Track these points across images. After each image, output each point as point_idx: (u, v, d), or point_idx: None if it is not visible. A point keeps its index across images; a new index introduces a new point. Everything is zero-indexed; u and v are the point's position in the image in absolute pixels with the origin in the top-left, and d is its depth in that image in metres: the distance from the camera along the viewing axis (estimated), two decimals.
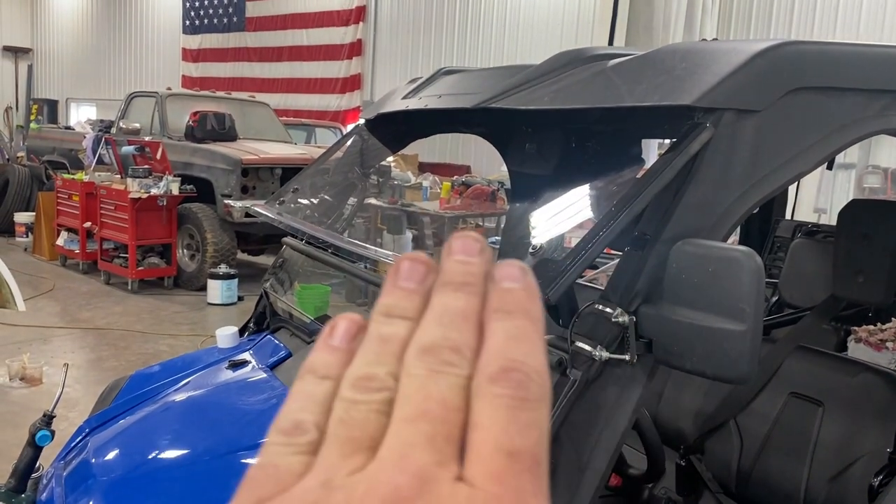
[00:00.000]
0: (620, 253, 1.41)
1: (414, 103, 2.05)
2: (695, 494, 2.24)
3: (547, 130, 2.06)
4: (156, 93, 9.52)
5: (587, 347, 1.31)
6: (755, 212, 3.41)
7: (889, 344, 2.74)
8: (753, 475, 2.13)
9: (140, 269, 8.01)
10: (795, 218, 3.97)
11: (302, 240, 2.39)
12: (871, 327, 2.80)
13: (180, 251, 8.39)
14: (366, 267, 2.18)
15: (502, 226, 7.95)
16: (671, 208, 1.34)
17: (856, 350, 2.79)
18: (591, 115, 1.64)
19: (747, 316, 1.19)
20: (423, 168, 11.07)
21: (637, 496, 2.10)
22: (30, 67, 20.80)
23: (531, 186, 2.19)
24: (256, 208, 2.41)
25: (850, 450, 1.94)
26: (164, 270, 8.22)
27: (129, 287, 8.03)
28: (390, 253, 2.22)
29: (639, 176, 1.43)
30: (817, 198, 8.31)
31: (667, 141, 2.06)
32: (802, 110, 1.43)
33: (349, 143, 2.63)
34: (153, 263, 8.14)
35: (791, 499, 2.03)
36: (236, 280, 7.77)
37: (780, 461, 2.08)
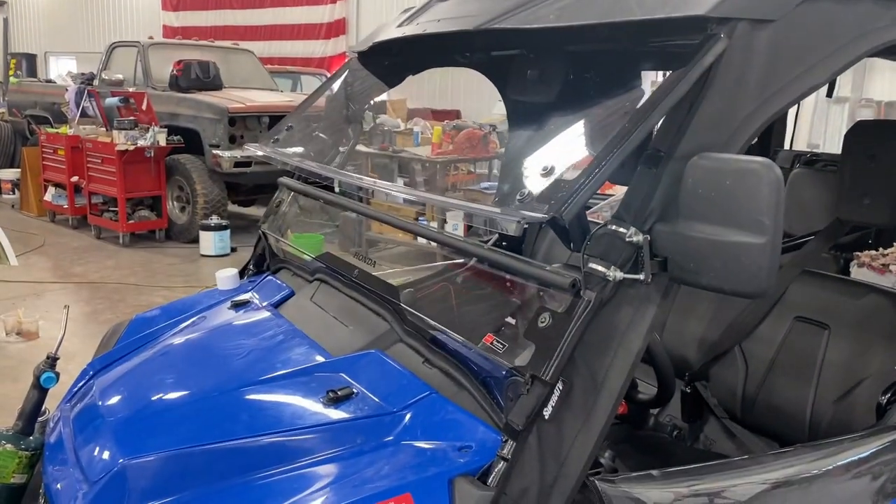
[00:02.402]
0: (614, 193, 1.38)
1: (411, 30, 1.99)
2: (700, 421, 2.25)
3: (550, 54, 2.00)
4: (138, 42, 9.29)
5: (601, 268, 1.29)
6: (754, 142, 3.38)
7: (893, 267, 2.74)
8: (759, 399, 2.14)
9: (130, 222, 7.94)
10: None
11: (298, 178, 2.34)
12: (874, 252, 2.80)
13: (170, 203, 8.31)
14: (363, 200, 2.14)
15: (495, 170, 7.88)
16: (685, 123, 1.31)
17: (859, 275, 2.79)
18: (598, 33, 1.58)
19: (767, 228, 1.17)
20: (413, 113, 10.91)
21: (642, 423, 2.11)
22: (5, 21, 20.24)
23: (533, 115, 2.14)
24: (251, 147, 2.36)
25: (857, 370, 1.95)
26: (155, 223, 8.15)
27: (121, 241, 7.97)
28: (390, 184, 2.18)
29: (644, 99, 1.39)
30: (810, 132, 8.27)
31: (660, 76, 2.02)
32: (818, 20, 1.38)
33: (342, 79, 2.55)
34: (143, 216, 8.07)
35: (797, 421, 2.04)
36: (228, 231, 7.72)
37: (786, 385, 2.09)
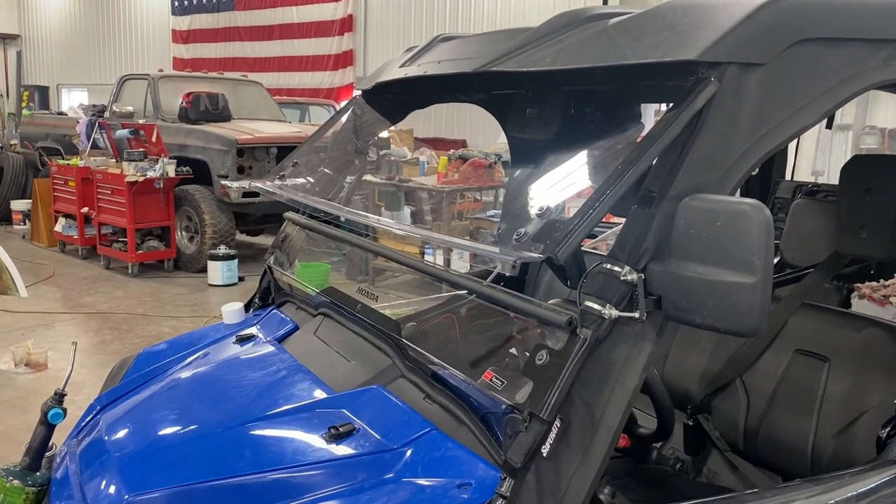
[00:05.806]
0: (620, 221, 1.40)
1: (413, 71, 2.03)
2: (703, 453, 2.25)
3: (548, 93, 2.05)
4: (148, 75, 9.44)
5: (596, 306, 1.31)
6: (755, 173, 3.41)
7: (893, 299, 2.75)
8: (761, 432, 2.14)
9: (139, 252, 8.01)
10: (795, 179, 3.97)
11: (304, 214, 2.38)
12: (875, 283, 2.81)
13: (179, 233, 8.38)
14: (368, 237, 2.17)
15: (501, 198, 7.93)
16: (677, 164, 1.34)
17: (860, 306, 2.80)
18: (593, 75, 1.63)
19: (757, 268, 1.19)
20: (419, 143, 11.01)
21: (645, 456, 2.11)
22: (18, 54, 20.61)
23: (533, 151, 2.18)
24: (257, 184, 2.40)
25: (857, 404, 1.95)
26: (164, 253, 8.22)
27: (130, 271, 8.03)
28: (392, 222, 2.21)
29: (643, 135, 1.43)
30: (815, 160, 8.30)
31: (663, 107, 2.05)
32: (807, 62, 1.42)
33: (346, 116, 2.61)
34: (152, 247, 8.14)
35: (799, 454, 2.04)
36: (236, 261, 7.77)
37: (787, 418, 2.09)
